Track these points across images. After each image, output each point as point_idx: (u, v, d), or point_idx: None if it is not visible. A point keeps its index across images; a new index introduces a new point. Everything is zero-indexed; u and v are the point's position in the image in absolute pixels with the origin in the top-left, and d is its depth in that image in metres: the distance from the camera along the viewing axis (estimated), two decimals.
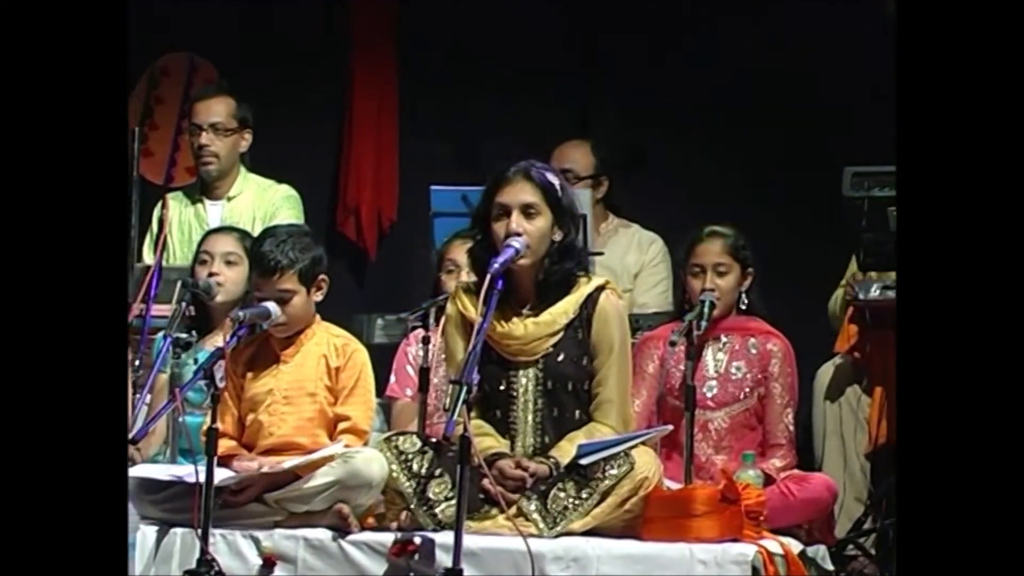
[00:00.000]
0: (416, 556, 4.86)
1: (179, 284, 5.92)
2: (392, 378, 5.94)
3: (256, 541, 4.96)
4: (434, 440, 5.06)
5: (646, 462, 4.97)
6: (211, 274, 5.88)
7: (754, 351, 5.63)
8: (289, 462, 5.05)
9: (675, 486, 5.14)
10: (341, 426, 5.21)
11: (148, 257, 6.50)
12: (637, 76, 7.45)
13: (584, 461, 4.94)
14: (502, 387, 5.11)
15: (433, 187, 6.13)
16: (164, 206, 6.64)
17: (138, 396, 5.59)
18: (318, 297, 5.30)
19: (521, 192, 5.07)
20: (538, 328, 5.09)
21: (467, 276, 5.50)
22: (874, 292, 6.04)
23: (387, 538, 4.92)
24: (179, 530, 4.98)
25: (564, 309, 5.10)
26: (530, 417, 5.11)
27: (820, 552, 5.31)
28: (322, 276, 5.29)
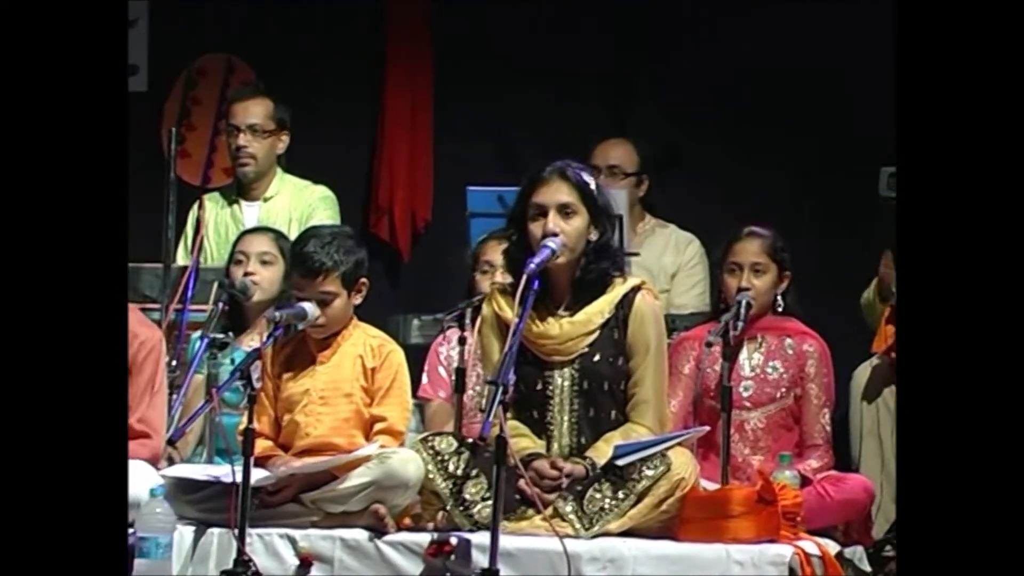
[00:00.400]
0: (452, 556, 4.86)
1: (215, 284, 5.95)
2: (424, 379, 5.94)
3: (293, 541, 4.96)
4: (470, 440, 5.06)
5: (682, 463, 4.96)
6: (247, 274, 5.91)
7: (790, 351, 5.62)
8: (325, 462, 5.06)
9: (711, 487, 5.12)
10: (377, 427, 5.21)
11: (184, 258, 6.51)
12: (672, 76, 7.43)
13: (620, 462, 4.94)
14: (538, 387, 5.10)
15: (469, 188, 6.14)
16: (201, 207, 6.66)
17: (175, 397, 5.61)
18: (357, 300, 5.28)
19: (558, 192, 5.06)
20: (574, 327, 5.09)
21: (501, 276, 5.50)
22: None
23: (423, 538, 4.92)
24: (216, 530, 4.99)
25: (600, 309, 5.10)
26: (566, 417, 5.10)
27: (857, 553, 5.29)
28: (363, 279, 5.28)
